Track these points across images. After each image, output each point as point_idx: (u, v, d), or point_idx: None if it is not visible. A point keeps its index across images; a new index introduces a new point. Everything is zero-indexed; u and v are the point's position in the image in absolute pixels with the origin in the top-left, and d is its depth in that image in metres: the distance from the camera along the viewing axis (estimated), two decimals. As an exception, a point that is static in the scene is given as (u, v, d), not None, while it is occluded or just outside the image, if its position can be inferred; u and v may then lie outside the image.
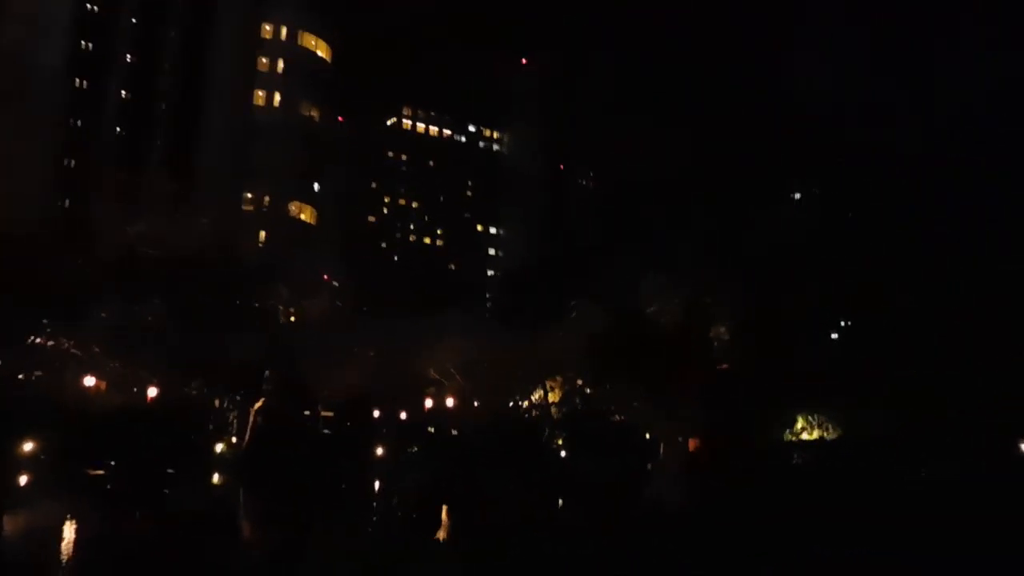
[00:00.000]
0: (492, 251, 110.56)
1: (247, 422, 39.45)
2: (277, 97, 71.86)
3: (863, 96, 61.02)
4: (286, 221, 71.37)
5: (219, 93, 64.70)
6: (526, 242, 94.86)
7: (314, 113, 74.46)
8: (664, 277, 46.21)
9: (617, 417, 46.25)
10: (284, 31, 71.60)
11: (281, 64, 71.79)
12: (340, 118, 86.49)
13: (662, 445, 45.39)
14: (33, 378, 35.00)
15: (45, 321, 35.00)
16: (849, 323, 53.89)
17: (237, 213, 64.36)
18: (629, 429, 45.44)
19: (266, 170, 66.76)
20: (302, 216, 73.78)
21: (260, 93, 71.65)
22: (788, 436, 47.38)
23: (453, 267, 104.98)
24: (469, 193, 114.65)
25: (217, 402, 40.57)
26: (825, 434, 46.29)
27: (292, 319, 47.05)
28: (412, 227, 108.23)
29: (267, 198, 70.34)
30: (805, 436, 47.78)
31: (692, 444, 45.20)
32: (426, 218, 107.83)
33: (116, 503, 27.38)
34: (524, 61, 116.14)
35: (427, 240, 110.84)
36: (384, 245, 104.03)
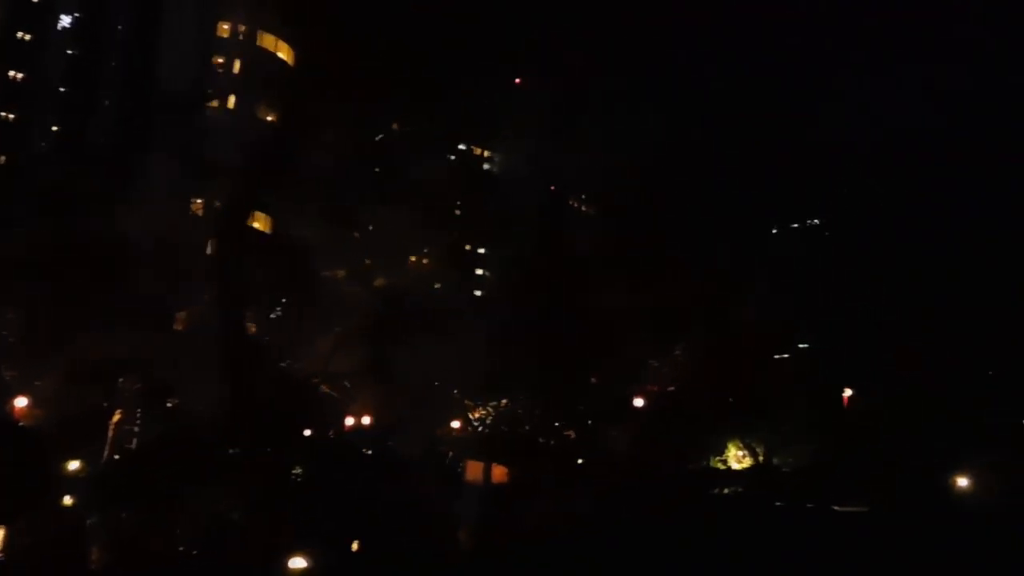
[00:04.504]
0: (480, 271, 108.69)
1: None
2: (231, 99, 70.44)
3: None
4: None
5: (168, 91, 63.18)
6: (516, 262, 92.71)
7: (272, 117, 72.72)
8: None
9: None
10: (242, 30, 70.26)
11: (237, 65, 70.41)
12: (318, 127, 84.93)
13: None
14: None
15: None
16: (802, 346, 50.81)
17: (183, 215, 62.45)
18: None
19: (217, 174, 64.91)
20: (255, 224, 71.70)
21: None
22: (715, 463, 43.95)
23: (438, 286, 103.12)
24: (457, 212, 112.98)
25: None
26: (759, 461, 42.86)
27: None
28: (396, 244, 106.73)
29: (217, 202, 68.46)
30: (735, 464, 44.35)
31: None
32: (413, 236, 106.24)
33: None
34: (517, 81, 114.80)
35: (412, 258, 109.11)
36: (368, 262, 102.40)
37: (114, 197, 41.33)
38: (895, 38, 56.99)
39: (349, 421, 47.27)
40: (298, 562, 17.82)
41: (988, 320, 43.88)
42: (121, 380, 35.53)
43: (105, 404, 34.99)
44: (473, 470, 37.81)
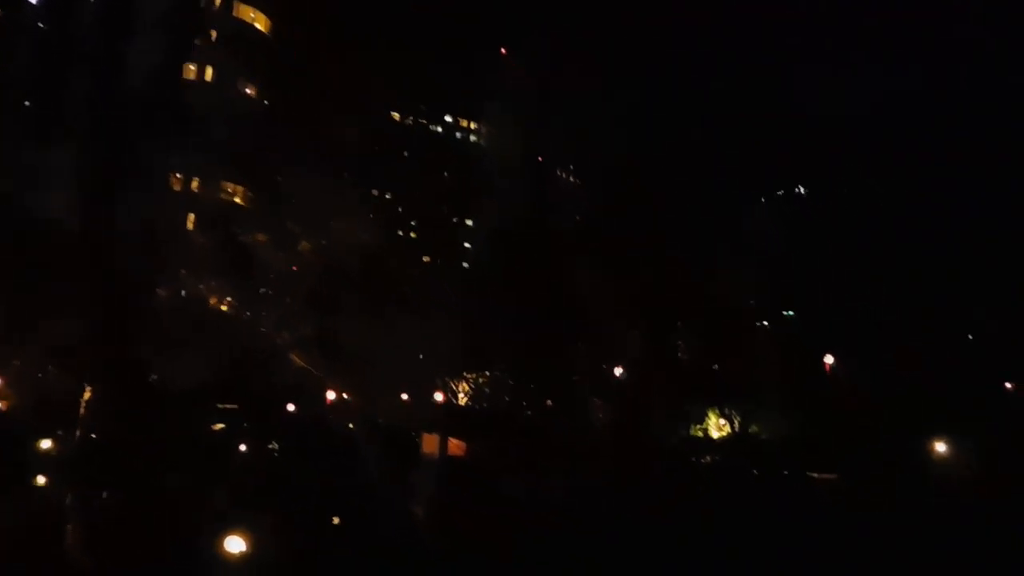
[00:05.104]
0: (468, 244, 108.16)
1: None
2: (209, 71, 69.40)
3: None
4: (216, 203, 68.56)
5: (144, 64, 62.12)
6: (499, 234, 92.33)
7: (251, 90, 71.83)
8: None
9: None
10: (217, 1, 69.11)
11: (214, 35, 69.30)
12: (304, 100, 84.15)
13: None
14: None
15: None
16: (787, 314, 50.54)
17: (160, 192, 61.76)
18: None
19: (195, 148, 64.09)
20: (235, 199, 70.98)
21: (191, 67, 69.09)
22: (696, 432, 43.85)
23: (427, 259, 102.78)
24: (445, 185, 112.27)
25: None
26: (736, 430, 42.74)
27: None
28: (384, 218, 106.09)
29: (195, 178, 67.74)
30: (715, 433, 44.25)
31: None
32: (399, 209, 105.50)
33: None
34: (503, 51, 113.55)
35: (400, 232, 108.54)
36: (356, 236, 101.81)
37: (82, 174, 40.75)
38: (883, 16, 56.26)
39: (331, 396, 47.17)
40: (237, 542, 17.44)
41: (968, 288, 43.70)
42: (93, 358, 35.10)
43: (77, 383, 34.60)
44: (429, 444, 37.52)
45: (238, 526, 17.86)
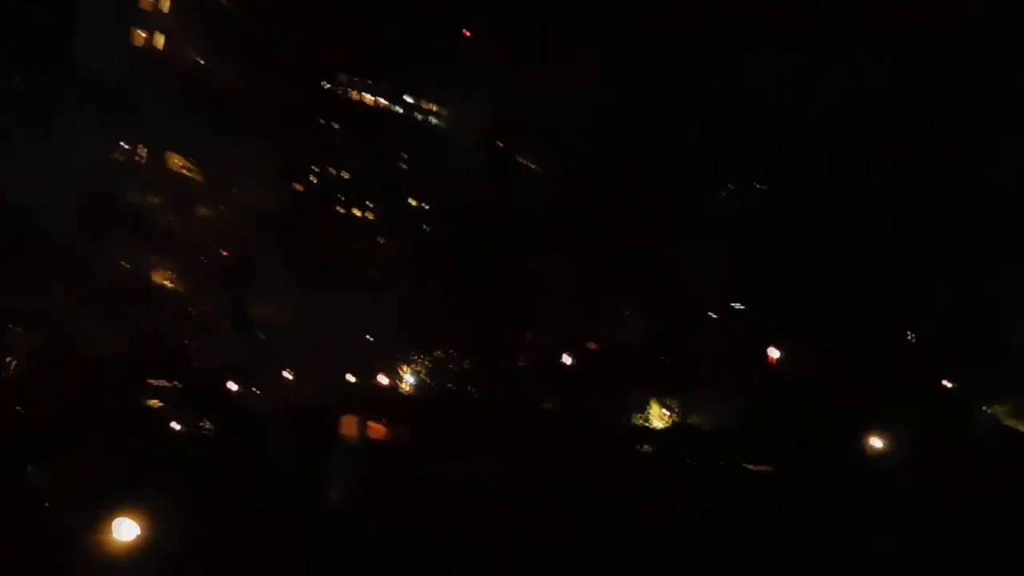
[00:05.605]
0: (425, 227, 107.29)
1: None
2: (159, 38, 67.44)
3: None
4: (164, 174, 66.93)
5: (88, 28, 60.15)
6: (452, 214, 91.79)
7: (203, 59, 69.97)
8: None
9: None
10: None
11: (166, 2, 67.34)
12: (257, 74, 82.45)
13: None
14: None
15: None
16: (737, 307, 50.66)
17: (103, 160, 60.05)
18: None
19: (142, 117, 62.35)
20: (184, 171, 69.32)
21: (140, 33, 67.13)
22: (638, 421, 43.77)
23: (382, 241, 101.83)
24: (404, 166, 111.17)
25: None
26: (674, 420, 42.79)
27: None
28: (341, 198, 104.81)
29: (142, 147, 65.93)
30: (658, 424, 44.21)
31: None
32: (357, 189, 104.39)
33: None
34: (466, 33, 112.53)
35: (356, 212, 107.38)
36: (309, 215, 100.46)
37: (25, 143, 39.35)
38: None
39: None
40: (128, 526, 16.58)
41: (915, 282, 44.13)
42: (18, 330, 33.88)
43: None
44: (348, 425, 36.68)
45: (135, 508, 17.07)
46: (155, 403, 36.86)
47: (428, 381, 47.11)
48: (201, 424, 34.86)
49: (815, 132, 49.50)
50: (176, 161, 60.26)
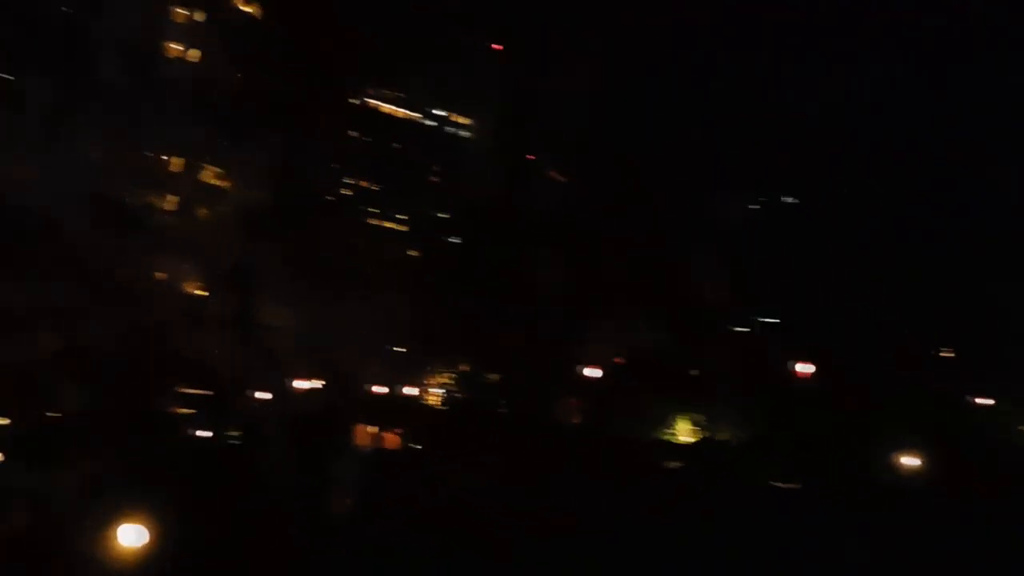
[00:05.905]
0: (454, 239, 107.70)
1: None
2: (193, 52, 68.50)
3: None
4: (197, 186, 67.91)
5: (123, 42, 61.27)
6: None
7: (238, 73, 70.94)
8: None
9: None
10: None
11: (200, 16, 68.39)
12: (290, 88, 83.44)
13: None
14: None
15: None
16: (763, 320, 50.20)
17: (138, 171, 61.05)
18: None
19: (177, 130, 63.36)
20: (215, 182, 70.26)
21: (175, 46, 68.19)
22: (664, 434, 43.43)
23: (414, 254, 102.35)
24: (435, 179, 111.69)
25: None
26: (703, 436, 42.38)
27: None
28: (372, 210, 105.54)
29: (175, 159, 66.97)
30: (684, 438, 43.87)
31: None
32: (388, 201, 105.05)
33: None
34: (498, 48, 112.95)
35: (388, 224, 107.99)
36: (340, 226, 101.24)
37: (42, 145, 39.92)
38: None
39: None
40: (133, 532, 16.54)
41: (946, 300, 43.46)
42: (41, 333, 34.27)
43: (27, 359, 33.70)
44: (361, 434, 36.62)
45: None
46: (164, 406, 37.12)
47: (448, 393, 47.16)
48: (207, 426, 35.04)
49: (848, 141, 48.98)
50: (205, 170, 60.93)
